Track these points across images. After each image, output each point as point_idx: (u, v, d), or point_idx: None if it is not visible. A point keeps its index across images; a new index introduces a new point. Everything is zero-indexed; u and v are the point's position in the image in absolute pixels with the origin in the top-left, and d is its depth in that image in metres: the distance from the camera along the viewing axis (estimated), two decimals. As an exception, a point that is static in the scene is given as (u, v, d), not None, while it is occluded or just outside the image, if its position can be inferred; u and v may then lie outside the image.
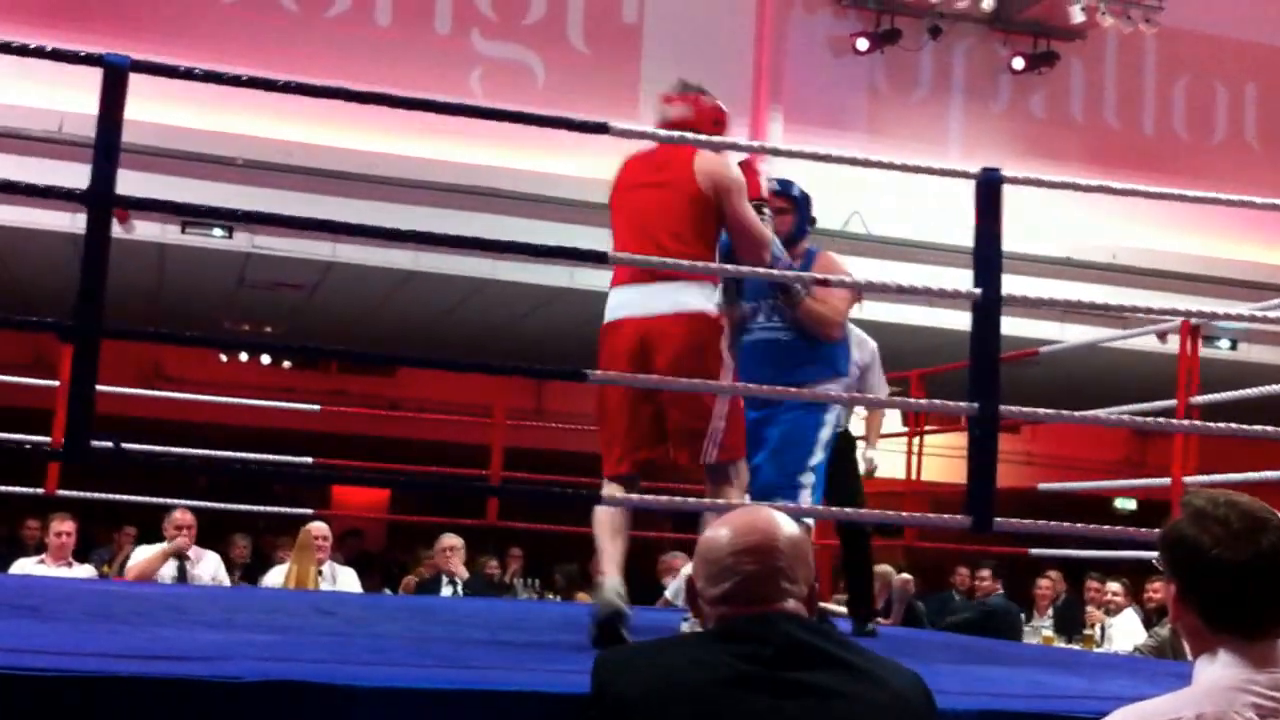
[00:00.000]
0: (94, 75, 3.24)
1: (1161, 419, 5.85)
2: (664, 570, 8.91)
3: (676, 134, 3.90)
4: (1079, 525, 4.34)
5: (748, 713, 2.03)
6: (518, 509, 10.29)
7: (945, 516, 3.80)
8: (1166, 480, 6.11)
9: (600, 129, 3.70)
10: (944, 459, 9.13)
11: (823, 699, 2.05)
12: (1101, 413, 5.10)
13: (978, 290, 3.77)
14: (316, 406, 8.42)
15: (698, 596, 2.21)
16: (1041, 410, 4.13)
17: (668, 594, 8.56)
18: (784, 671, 2.06)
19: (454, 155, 9.19)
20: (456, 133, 8.90)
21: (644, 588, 7.50)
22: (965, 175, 3.91)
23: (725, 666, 2.06)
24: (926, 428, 8.48)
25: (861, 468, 6.06)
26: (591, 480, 4.29)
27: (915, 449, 7.95)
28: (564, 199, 9.09)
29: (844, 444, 5.80)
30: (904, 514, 4.56)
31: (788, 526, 2.21)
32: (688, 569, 6.79)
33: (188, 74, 3.58)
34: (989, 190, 3.84)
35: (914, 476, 7.84)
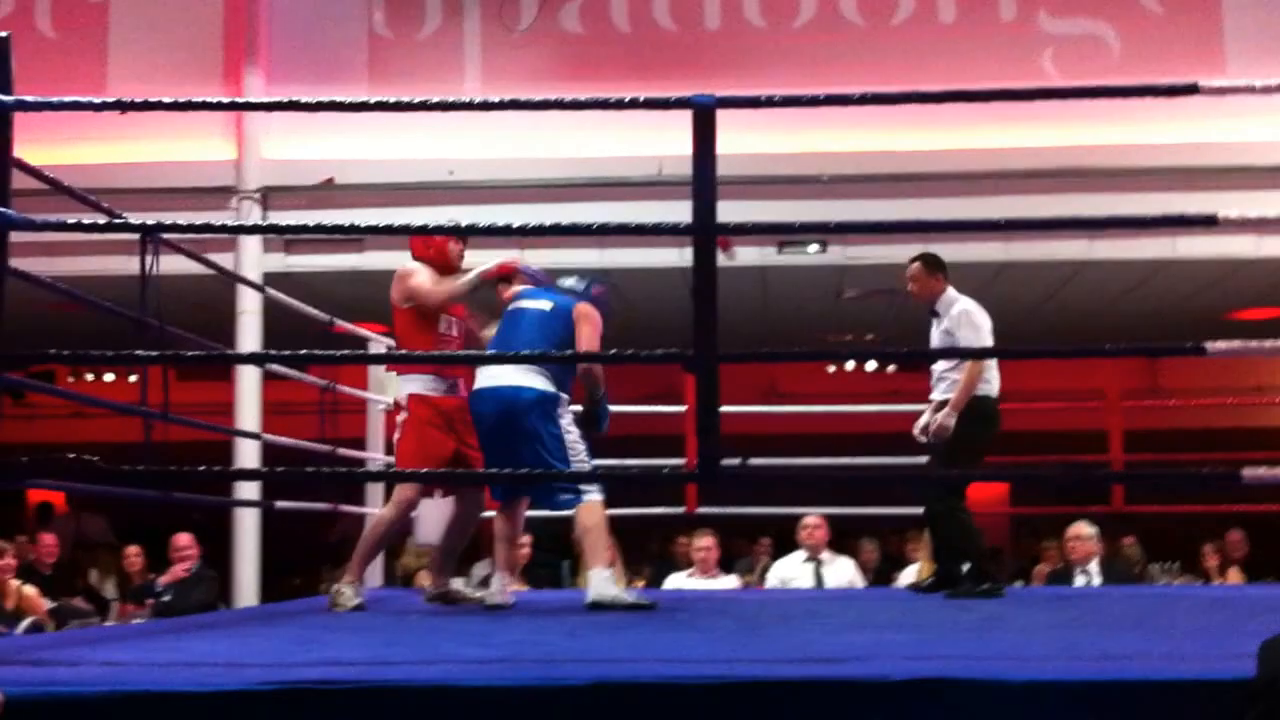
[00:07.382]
0: (684, 118, 3.44)
1: None
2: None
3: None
4: None
5: None
6: (1137, 492, 9.85)
7: None
8: None
9: (1190, 90, 3.50)
10: None
11: None
12: None
13: None
14: (923, 407, 8.44)
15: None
16: None
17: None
18: None
19: (1030, 141, 8.98)
20: (1028, 118, 8.71)
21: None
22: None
23: None
24: None
25: None
26: (1222, 455, 4.06)
27: None
28: (1160, 168, 8.63)
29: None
30: None
31: None
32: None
33: (769, 102, 3.73)
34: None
35: None
